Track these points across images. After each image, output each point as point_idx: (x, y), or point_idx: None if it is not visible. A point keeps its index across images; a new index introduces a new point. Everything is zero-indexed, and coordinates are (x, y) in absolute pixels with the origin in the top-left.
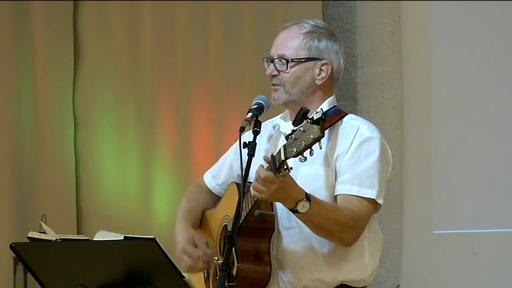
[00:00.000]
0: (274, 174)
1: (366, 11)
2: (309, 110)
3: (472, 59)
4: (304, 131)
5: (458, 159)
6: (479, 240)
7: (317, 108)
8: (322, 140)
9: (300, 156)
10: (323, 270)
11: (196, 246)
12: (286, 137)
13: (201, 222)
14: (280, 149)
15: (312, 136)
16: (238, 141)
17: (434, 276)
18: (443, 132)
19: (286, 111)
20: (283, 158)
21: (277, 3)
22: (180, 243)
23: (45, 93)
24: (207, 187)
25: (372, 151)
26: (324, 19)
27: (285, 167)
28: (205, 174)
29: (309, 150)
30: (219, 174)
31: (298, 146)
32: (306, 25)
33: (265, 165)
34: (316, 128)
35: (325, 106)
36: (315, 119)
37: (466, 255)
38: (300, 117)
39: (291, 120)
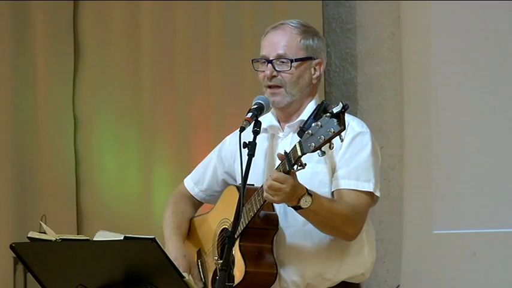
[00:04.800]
0: (289, 171)
1: (366, 11)
2: (329, 104)
3: (472, 59)
4: (321, 126)
5: (458, 159)
6: (479, 240)
7: (308, 107)
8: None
9: (318, 151)
10: (325, 266)
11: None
12: (299, 134)
13: (188, 231)
14: (295, 145)
15: (332, 130)
16: (220, 145)
17: (434, 276)
18: (443, 132)
19: (270, 113)
20: (299, 153)
21: (277, 3)
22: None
23: (45, 93)
24: (190, 194)
25: (364, 145)
26: (324, 19)
27: (300, 163)
28: (186, 180)
29: (328, 144)
30: (202, 179)
31: (317, 141)
32: (293, 24)
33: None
34: (335, 121)
35: (312, 105)
36: (334, 112)
37: (466, 255)
38: (321, 111)
39: (277, 119)
